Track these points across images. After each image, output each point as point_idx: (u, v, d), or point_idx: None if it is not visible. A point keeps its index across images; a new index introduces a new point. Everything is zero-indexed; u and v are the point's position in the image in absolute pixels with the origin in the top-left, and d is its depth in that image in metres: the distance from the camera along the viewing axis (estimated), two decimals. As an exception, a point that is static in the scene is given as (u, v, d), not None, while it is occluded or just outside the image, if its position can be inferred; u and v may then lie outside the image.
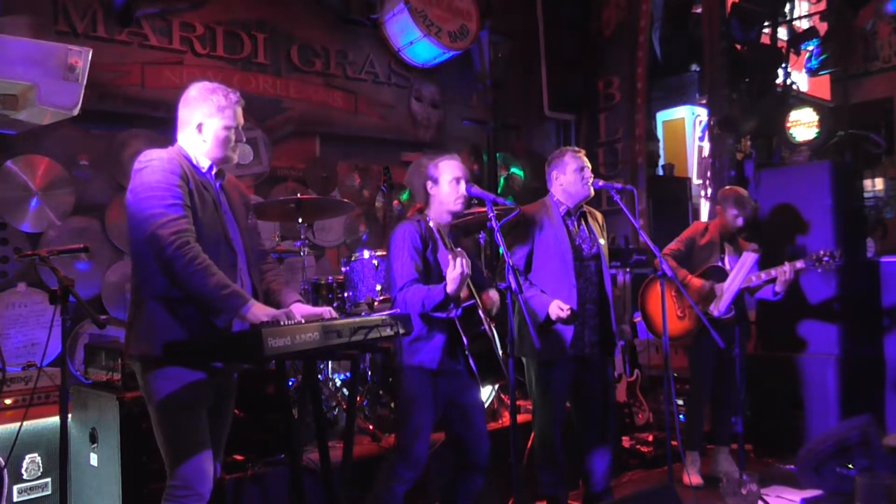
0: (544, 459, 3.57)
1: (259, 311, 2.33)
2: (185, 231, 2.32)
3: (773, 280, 4.19)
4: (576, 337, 3.49)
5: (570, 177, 3.56)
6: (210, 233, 2.44)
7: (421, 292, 2.97)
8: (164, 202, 2.33)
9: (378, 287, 3.96)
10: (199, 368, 2.40)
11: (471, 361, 3.09)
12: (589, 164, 3.61)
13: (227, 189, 2.64)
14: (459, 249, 2.93)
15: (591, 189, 3.58)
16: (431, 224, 3.13)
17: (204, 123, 2.52)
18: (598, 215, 3.76)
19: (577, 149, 3.67)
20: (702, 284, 4.28)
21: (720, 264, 4.39)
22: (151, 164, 2.40)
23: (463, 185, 3.16)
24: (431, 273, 3.09)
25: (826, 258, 4.14)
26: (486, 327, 3.14)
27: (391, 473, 3.06)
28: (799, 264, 4.17)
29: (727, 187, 4.70)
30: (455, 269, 2.83)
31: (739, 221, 4.41)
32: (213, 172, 2.57)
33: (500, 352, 3.15)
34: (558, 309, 3.35)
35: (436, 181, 3.19)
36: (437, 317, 3.03)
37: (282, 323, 2.29)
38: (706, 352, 4.32)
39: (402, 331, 2.68)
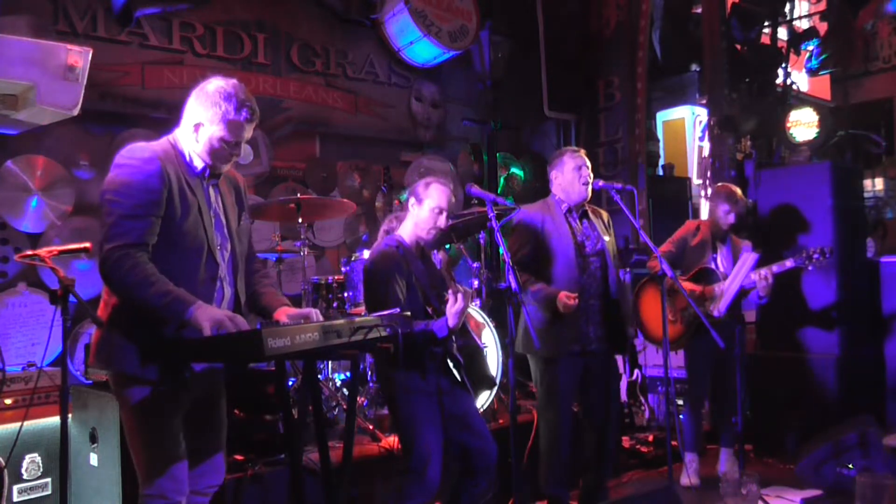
0: (549, 458, 3.57)
1: (202, 315, 2.15)
2: (126, 244, 2.19)
3: None
4: (580, 332, 3.49)
5: (568, 176, 3.59)
6: (191, 242, 2.34)
7: (419, 328, 2.87)
8: (122, 210, 2.23)
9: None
10: (173, 373, 2.33)
11: (465, 378, 3.08)
12: (589, 164, 3.62)
13: (221, 188, 2.51)
14: (463, 288, 2.88)
15: (588, 190, 3.58)
16: (406, 241, 3.10)
17: (203, 126, 2.37)
18: (604, 213, 3.77)
19: (576, 148, 3.69)
20: (690, 291, 4.21)
21: (711, 266, 4.36)
22: (131, 164, 2.30)
23: (443, 217, 3.10)
24: (415, 294, 3.03)
25: (816, 255, 4.06)
26: (476, 340, 3.17)
27: (406, 500, 2.94)
28: (789, 263, 4.12)
29: (718, 184, 4.68)
30: (457, 303, 2.81)
31: (731, 218, 4.36)
32: (206, 174, 2.45)
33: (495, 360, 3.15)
34: (566, 298, 3.34)
35: (420, 202, 3.11)
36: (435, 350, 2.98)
37: (227, 324, 2.16)
38: (702, 353, 4.30)
39: (401, 330, 2.66)
